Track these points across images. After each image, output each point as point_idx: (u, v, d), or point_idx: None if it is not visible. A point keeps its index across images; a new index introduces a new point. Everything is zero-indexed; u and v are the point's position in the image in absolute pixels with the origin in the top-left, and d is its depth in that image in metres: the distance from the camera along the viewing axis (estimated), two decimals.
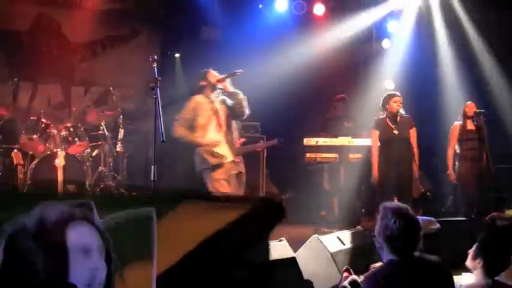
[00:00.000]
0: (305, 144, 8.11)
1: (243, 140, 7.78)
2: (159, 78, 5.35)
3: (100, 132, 8.14)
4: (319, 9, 10.08)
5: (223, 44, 9.91)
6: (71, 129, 7.73)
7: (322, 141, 8.09)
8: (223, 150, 6.35)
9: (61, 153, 7.36)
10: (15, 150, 7.68)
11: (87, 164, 7.84)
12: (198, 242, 2.79)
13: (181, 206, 2.85)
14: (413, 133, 7.34)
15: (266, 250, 3.03)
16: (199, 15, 9.75)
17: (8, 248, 1.99)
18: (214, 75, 6.50)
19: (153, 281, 2.63)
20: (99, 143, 8.13)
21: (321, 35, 10.10)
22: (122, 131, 8.36)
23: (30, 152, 7.68)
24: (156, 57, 5.70)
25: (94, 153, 8.11)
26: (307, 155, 8.16)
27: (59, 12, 9.87)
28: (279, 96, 9.69)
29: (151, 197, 3.10)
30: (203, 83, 6.48)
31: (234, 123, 6.60)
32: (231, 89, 6.45)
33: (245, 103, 6.41)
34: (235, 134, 7.64)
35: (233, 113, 6.45)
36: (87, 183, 7.68)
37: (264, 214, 2.90)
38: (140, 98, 8.88)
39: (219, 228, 2.79)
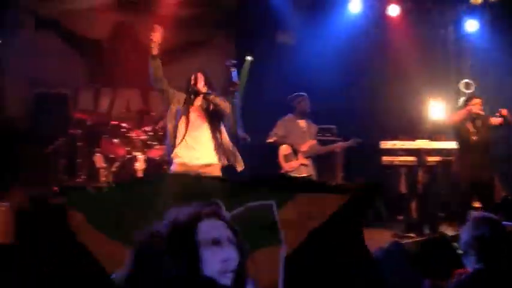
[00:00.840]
0: (381, 147, 8.01)
1: (315, 142, 7.77)
2: (238, 83, 5.45)
3: None
4: (393, 10, 9.94)
5: (297, 47, 9.92)
6: (150, 133, 7.92)
7: (399, 144, 7.98)
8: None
9: (141, 157, 7.57)
10: (97, 154, 7.94)
11: (166, 167, 8.00)
12: (312, 228, 3.11)
13: (298, 196, 3.18)
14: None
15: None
16: (274, 19, 9.80)
17: (138, 253, 2.10)
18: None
19: (281, 263, 2.91)
20: None
21: (396, 36, 9.96)
22: None
23: (111, 156, 7.91)
24: (235, 61, 5.80)
25: None
26: (384, 158, 8.04)
27: (137, 20, 10.16)
28: (354, 99, 9.63)
29: (272, 187, 3.27)
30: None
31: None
32: None
33: None
34: (310, 136, 7.69)
35: None
36: None
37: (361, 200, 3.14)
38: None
39: (328, 215, 3.02)
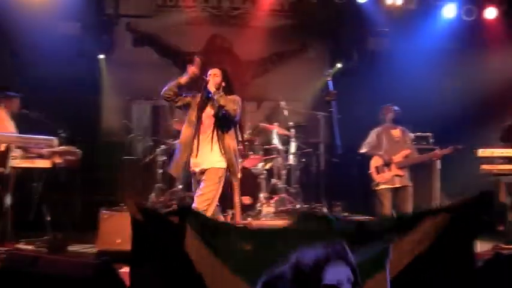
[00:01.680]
0: (479, 155, 7.79)
1: (409, 151, 7.64)
2: (335, 92, 5.49)
3: (273, 145, 8.42)
4: (490, 12, 9.67)
5: (390, 54, 9.84)
6: (246, 143, 8.07)
7: (498, 152, 7.74)
8: None
9: None
10: None
11: (261, 176, 8.14)
12: (419, 252, 3.05)
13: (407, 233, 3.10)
14: None
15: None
16: (367, 26, 9.77)
17: None
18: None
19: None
20: (273, 156, 8.40)
21: (494, 40, 9.69)
22: (293, 145, 8.58)
23: None
24: (331, 71, 5.85)
25: (268, 166, 8.40)
26: (482, 166, 7.81)
27: (230, 32, 10.42)
28: (450, 106, 9.43)
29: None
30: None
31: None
32: None
33: None
34: (404, 145, 7.58)
35: None
36: (261, 195, 8.01)
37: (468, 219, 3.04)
38: (311, 112, 9.06)
39: (435, 236, 2.98)
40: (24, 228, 7.50)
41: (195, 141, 5.91)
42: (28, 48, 8.89)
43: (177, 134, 8.44)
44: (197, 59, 6.14)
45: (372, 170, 7.51)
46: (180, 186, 8.16)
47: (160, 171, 8.34)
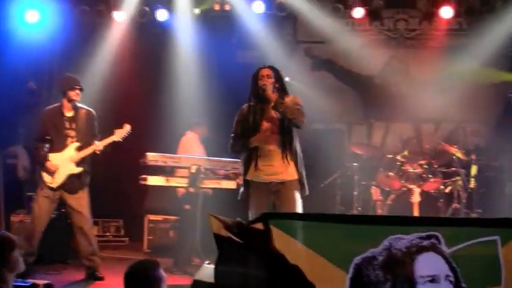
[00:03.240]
0: None
1: None
2: None
3: (453, 168, 8.23)
4: None
5: None
6: (425, 166, 8.00)
7: None
8: None
9: (416, 190, 7.66)
10: (373, 187, 8.25)
11: (441, 200, 7.98)
12: None
13: None
14: None
15: None
16: None
17: (354, 278, 2.24)
18: None
19: None
20: (453, 179, 8.20)
21: None
22: (474, 167, 8.31)
23: (387, 189, 8.14)
24: None
25: (447, 190, 8.22)
26: None
27: (407, 53, 10.35)
28: None
29: (498, 225, 2.97)
30: None
31: None
32: None
33: None
34: None
35: None
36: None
37: None
38: (492, 133, 8.73)
39: None
40: (211, 246, 8.01)
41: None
42: (211, 76, 9.52)
43: (356, 157, 8.62)
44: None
45: None
46: (359, 208, 8.28)
47: (339, 193, 8.52)
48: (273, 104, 5.41)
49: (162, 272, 3.25)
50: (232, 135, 5.64)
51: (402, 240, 2.32)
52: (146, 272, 3.23)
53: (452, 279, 2.26)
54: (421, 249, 2.26)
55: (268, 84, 5.40)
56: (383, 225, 2.93)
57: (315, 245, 2.99)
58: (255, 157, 5.47)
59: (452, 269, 2.29)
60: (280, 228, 3.09)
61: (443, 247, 2.33)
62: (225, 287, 3.33)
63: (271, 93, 5.42)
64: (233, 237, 3.22)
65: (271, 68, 5.56)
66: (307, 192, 5.54)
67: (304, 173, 5.54)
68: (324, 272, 2.90)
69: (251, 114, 5.52)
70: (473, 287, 2.55)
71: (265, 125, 5.48)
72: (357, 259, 2.44)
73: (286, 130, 5.43)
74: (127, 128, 6.64)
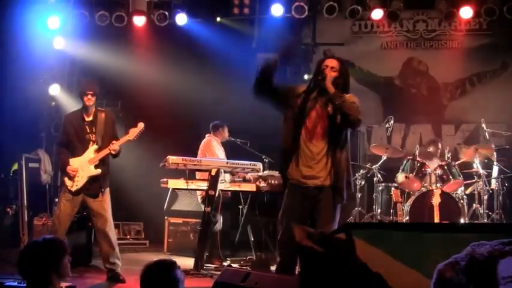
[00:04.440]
0: None
1: None
2: None
3: (474, 169, 8.17)
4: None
5: None
6: (445, 167, 7.95)
7: None
8: None
9: (436, 191, 7.60)
10: (393, 189, 8.21)
11: (462, 202, 7.93)
12: None
13: None
14: None
15: None
16: None
17: (437, 283, 2.25)
18: None
19: None
20: (473, 180, 8.15)
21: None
22: (496, 168, 8.25)
23: (407, 190, 8.11)
24: None
25: (468, 191, 8.16)
26: None
27: (426, 55, 10.34)
28: None
29: None
30: None
31: None
32: None
33: None
34: None
35: None
36: (461, 221, 7.80)
37: None
38: None
39: None
40: (231, 248, 8.07)
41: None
42: (230, 80, 9.58)
43: (376, 159, 8.60)
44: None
45: None
46: (379, 210, 8.26)
47: (359, 195, 8.50)
48: (329, 96, 4.79)
49: (180, 273, 3.22)
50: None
51: (484, 246, 2.25)
52: (164, 273, 3.17)
53: None
54: (504, 254, 2.20)
55: (330, 76, 4.83)
56: (464, 233, 2.95)
57: (397, 252, 2.99)
58: (296, 156, 4.91)
59: None
60: (361, 238, 3.05)
61: None
62: None
63: (330, 86, 4.79)
64: (315, 247, 3.22)
65: (339, 60, 5.00)
66: (344, 201, 4.98)
67: (350, 180, 5.03)
68: (407, 280, 2.93)
69: (304, 94, 4.88)
70: None
71: (314, 115, 4.90)
72: (440, 265, 2.44)
73: (336, 130, 4.87)
74: (140, 126, 6.65)
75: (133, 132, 6.62)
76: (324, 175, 4.89)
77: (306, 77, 9.79)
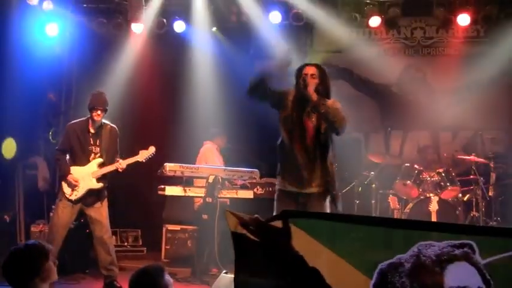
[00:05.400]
0: None
1: None
2: None
3: (471, 176, 8.18)
4: None
5: None
6: (443, 174, 7.96)
7: None
8: None
9: (434, 198, 7.63)
10: (391, 196, 8.23)
11: (459, 208, 7.94)
12: None
13: None
14: None
15: None
16: None
17: (378, 284, 2.17)
18: None
19: None
20: (471, 187, 8.16)
21: None
22: (493, 175, 8.26)
23: (404, 197, 8.12)
24: None
25: (466, 198, 8.18)
26: None
27: (424, 62, 10.34)
28: None
29: None
30: None
31: None
32: None
33: None
34: None
35: None
36: None
37: None
38: (511, 140, 8.67)
39: None
40: (228, 255, 8.04)
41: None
42: (229, 87, 9.59)
43: (373, 166, 8.60)
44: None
45: None
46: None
47: (357, 202, 8.52)
48: (312, 104, 4.89)
49: (168, 278, 3.22)
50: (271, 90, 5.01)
51: (433, 247, 2.17)
52: (152, 279, 3.18)
53: None
54: (453, 258, 2.12)
55: (311, 83, 4.91)
56: (413, 230, 2.72)
57: (337, 247, 2.88)
58: (286, 162, 5.04)
59: (486, 281, 2.12)
60: (300, 228, 2.97)
61: (477, 257, 2.16)
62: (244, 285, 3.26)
63: (313, 93, 4.88)
64: (249, 234, 3.15)
65: (318, 67, 5.10)
66: (339, 208, 5.04)
67: (336, 187, 5.11)
68: (345, 277, 2.79)
69: (291, 103, 4.98)
70: None
71: (300, 123, 4.98)
72: (383, 265, 2.32)
73: (321, 138, 4.98)
74: (151, 150, 6.75)
75: (143, 155, 6.73)
76: (315, 182, 4.99)
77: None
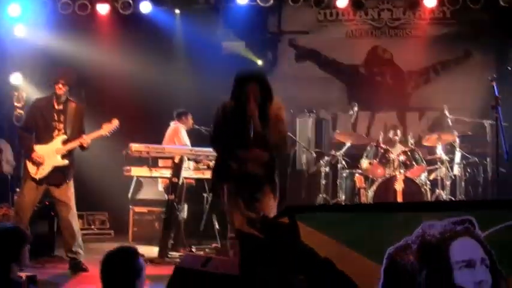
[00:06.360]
0: None
1: None
2: (500, 97, 5.27)
3: (437, 156, 8.26)
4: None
5: None
6: (408, 153, 8.02)
7: None
8: None
9: (400, 177, 7.68)
10: (357, 175, 8.27)
11: (425, 187, 8.01)
12: None
13: None
14: None
15: None
16: None
17: (388, 268, 2.21)
18: None
19: None
20: (436, 166, 8.24)
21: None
22: (458, 154, 8.35)
23: (371, 176, 8.17)
24: (495, 75, 5.65)
25: (431, 177, 8.24)
26: None
27: (391, 43, 10.40)
28: None
29: None
30: None
31: None
32: None
33: None
34: None
35: None
36: None
37: None
38: (476, 120, 8.75)
39: None
40: (196, 236, 8.04)
41: None
42: (196, 68, 9.55)
43: (340, 146, 8.63)
44: None
45: None
46: (343, 196, 8.32)
47: (324, 182, 8.53)
48: (254, 124, 4.77)
49: (142, 260, 3.16)
50: (213, 133, 5.11)
51: (435, 226, 2.26)
52: (125, 261, 3.11)
53: (488, 262, 2.22)
54: (456, 235, 2.22)
55: (252, 98, 4.84)
56: (414, 212, 2.79)
57: (344, 238, 2.88)
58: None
59: (487, 252, 2.23)
60: (306, 222, 2.97)
61: (478, 231, 2.27)
62: (250, 284, 3.23)
63: (254, 109, 4.82)
64: (255, 233, 3.13)
65: (257, 81, 4.97)
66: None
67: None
68: (356, 267, 2.80)
69: (237, 117, 4.87)
70: (508, 270, 2.45)
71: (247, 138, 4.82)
72: (390, 249, 2.36)
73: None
74: (115, 122, 6.63)
75: (107, 128, 6.60)
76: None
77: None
